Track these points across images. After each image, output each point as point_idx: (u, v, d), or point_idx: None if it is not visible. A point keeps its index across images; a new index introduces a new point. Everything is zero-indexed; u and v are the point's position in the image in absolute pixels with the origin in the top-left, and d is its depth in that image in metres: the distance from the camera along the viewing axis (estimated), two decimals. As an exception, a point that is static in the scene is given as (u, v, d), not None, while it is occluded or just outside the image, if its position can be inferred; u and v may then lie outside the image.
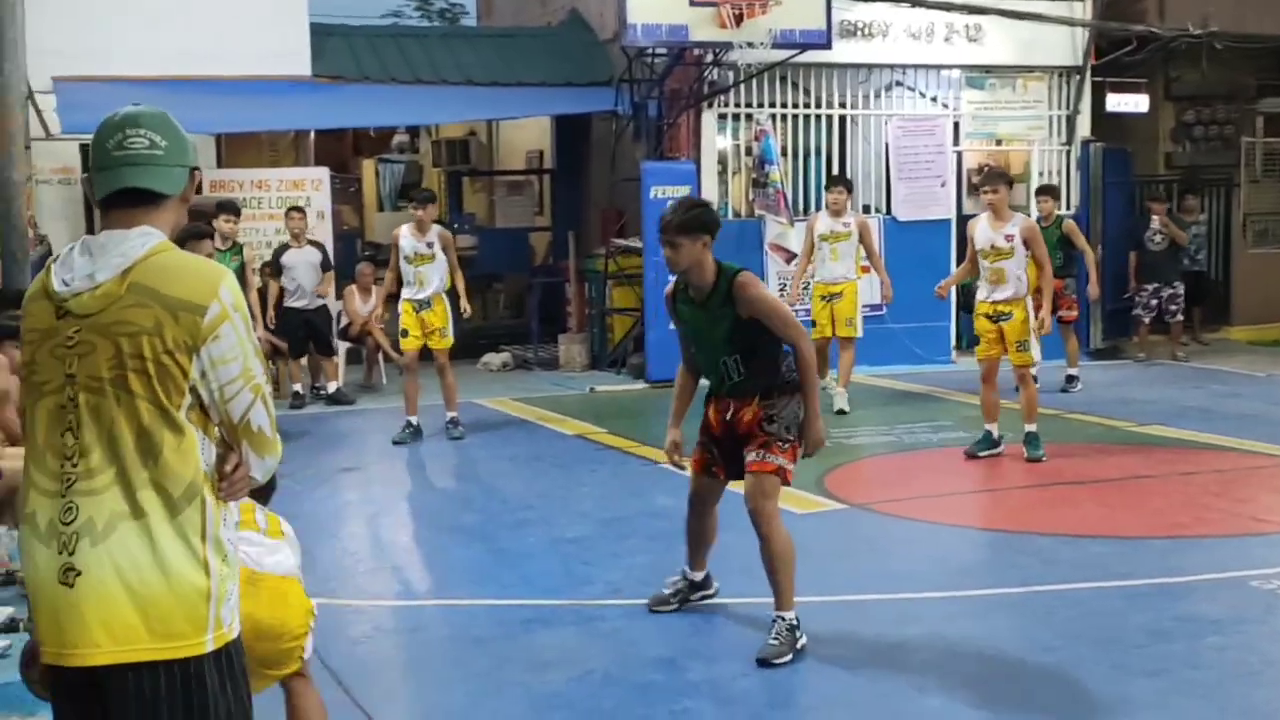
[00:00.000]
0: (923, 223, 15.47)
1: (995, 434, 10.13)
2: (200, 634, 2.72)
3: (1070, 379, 13.39)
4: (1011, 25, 15.60)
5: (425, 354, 11.20)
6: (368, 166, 20.84)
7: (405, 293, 11.16)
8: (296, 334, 13.24)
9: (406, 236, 11.12)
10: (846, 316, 12.33)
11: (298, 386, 13.28)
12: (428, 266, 11.05)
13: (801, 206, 15.15)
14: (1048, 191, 13.83)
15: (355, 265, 15.09)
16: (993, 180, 10.14)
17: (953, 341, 15.63)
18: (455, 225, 17.50)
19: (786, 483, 6.04)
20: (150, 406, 2.72)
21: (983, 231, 9.95)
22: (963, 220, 16.36)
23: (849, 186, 12.94)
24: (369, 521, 8.96)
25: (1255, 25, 16.54)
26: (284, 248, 13.34)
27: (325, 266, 13.47)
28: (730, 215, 14.97)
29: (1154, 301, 15.63)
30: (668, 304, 6.28)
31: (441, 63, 16.28)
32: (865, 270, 12.89)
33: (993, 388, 10.16)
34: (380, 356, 14.47)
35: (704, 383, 6.34)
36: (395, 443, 11.05)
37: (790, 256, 14.50)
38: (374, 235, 19.06)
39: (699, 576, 6.56)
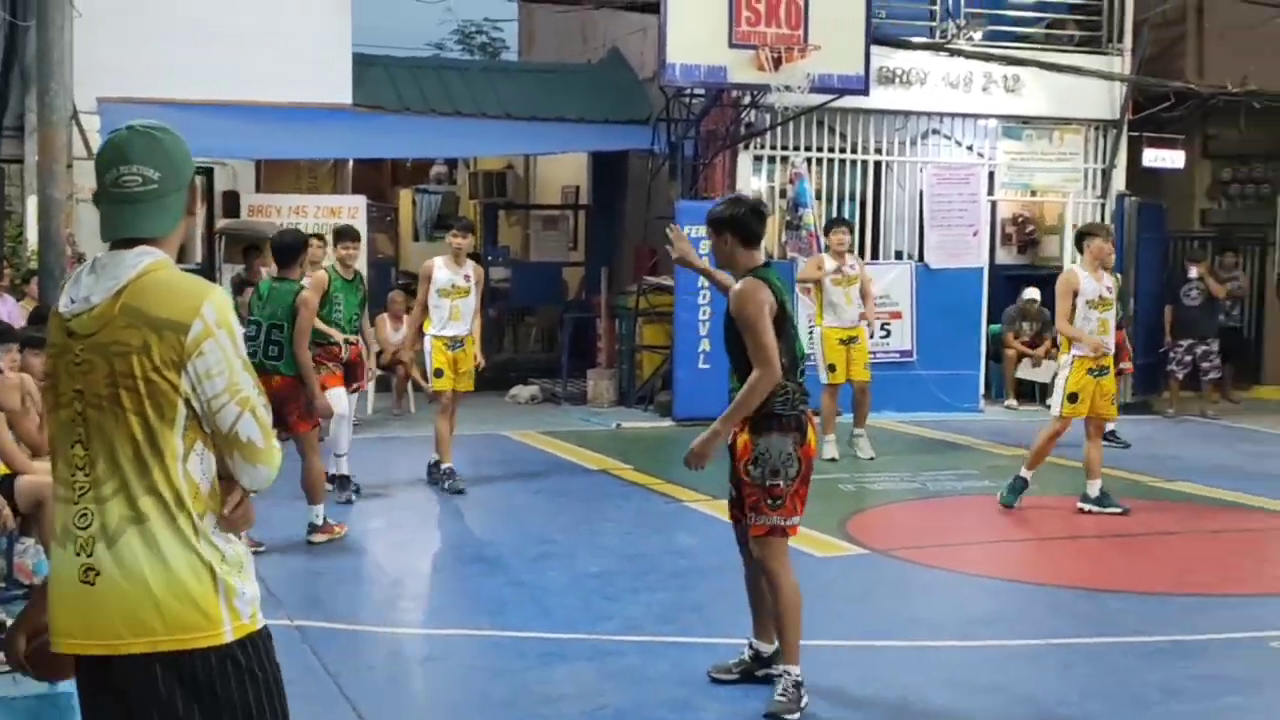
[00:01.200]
0: (954, 270, 15.48)
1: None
2: (216, 626, 2.85)
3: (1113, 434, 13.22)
4: (1049, 77, 15.65)
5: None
6: (405, 196, 21.02)
7: (435, 329, 10.40)
8: None
9: (442, 268, 10.41)
10: (864, 360, 12.28)
11: None
12: (463, 301, 10.39)
13: (834, 250, 15.15)
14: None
15: (388, 293, 15.20)
16: (1097, 230, 10.13)
17: (981, 390, 15.60)
18: (490, 257, 17.65)
19: (787, 535, 5.81)
20: (140, 421, 2.85)
21: (1089, 282, 9.78)
22: (995, 269, 16.47)
23: (852, 227, 12.87)
24: (392, 549, 9.01)
25: (1295, 84, 16.54)
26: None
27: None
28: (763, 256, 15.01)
29: (1188, 358, 15.58)
30: None
31: (482, 96, 16.43)
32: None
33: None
34: (410, 385, 14.55)
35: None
36: (451, 490, 10.35)
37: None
38: (408, 264, 19.20)
39: (767, 650, 6.01)
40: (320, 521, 8.73)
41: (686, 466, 5.84)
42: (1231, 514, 10.16)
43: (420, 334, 10.64)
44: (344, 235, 10.69)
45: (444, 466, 10.53)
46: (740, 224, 5.84)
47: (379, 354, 14.43)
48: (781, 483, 5.65)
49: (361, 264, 14.28)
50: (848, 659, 6.50)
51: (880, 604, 7.60)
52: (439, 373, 10.40)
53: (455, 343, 10.40)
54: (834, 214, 15.30)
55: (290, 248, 8.93)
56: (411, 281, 16.42)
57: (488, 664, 6.39)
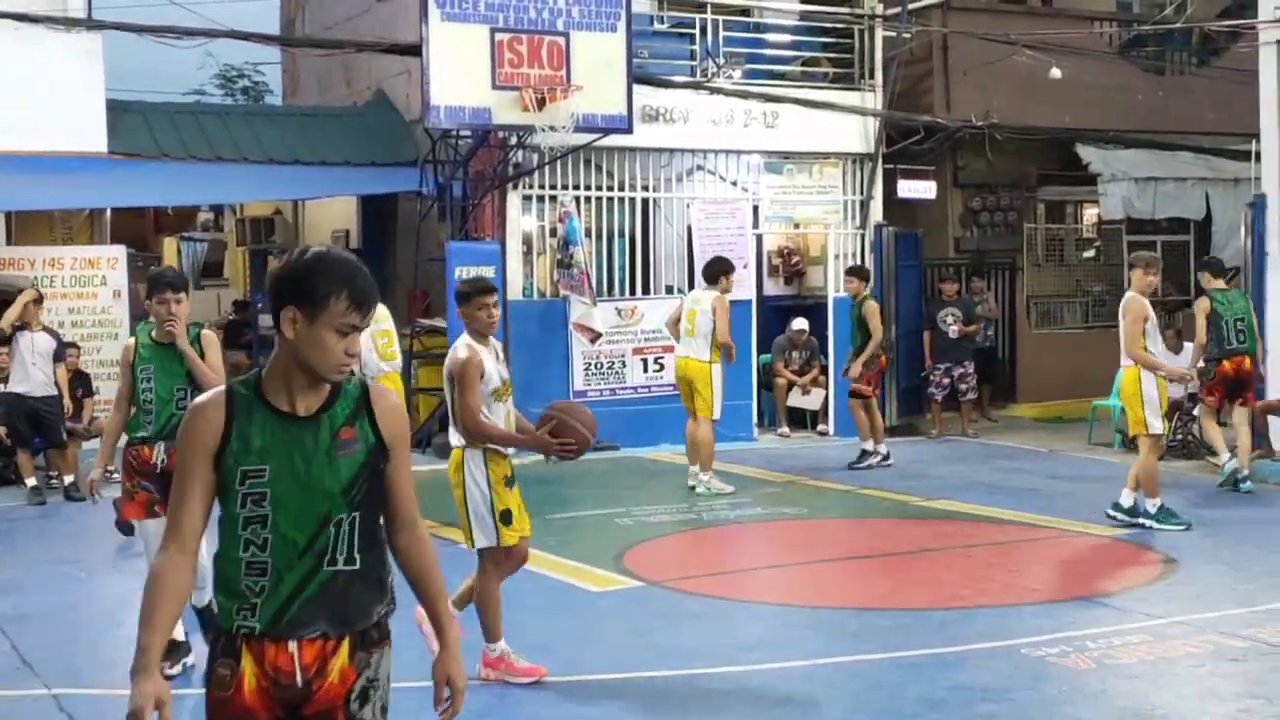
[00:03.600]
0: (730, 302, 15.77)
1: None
2: None
3: (864, 454, 13.77)
4: (807, 113, 16.16)
5: None
6: (169, 244, 20.51)
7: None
8: (18, 424, 12.33)
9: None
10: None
11: (33, 481, 12.26)
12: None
13: (605, 287, 15.36)
14: (853, 273, 14.32)
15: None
16: (1136, 261, 10.80)
17: (754, 419, 15.95)
18: (260, 304, 17.30)
19: None
20: None
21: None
22: (763, 300, 16.90)
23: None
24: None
25: (1035, 118, 17.45)
26: (23, 327, 12.36)
27: (58, 356, 12.53)
28: (535, 296, 15.13)
29: (946, 380, 16.23)
30: None
31: (243, 141, 16.15)
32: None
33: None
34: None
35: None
36: None
37: (595, 336, 14.68)
38: (174, 314, 18.69)
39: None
40: None
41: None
42: (987, 528, 10.62)
43: None
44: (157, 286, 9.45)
45: None
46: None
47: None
48: None
49: (124, 315, 13.92)
50: (622, 691, 6.58)
51: (655, 635, 7.69)
52: None
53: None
54: (605, 251, 15.53)
55: None
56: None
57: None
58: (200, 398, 3.29)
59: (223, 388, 3.27)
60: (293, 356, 3.19)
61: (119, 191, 15.10)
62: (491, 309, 6.64)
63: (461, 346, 6.62)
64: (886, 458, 13.68)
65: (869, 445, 13.76)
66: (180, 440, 3.21)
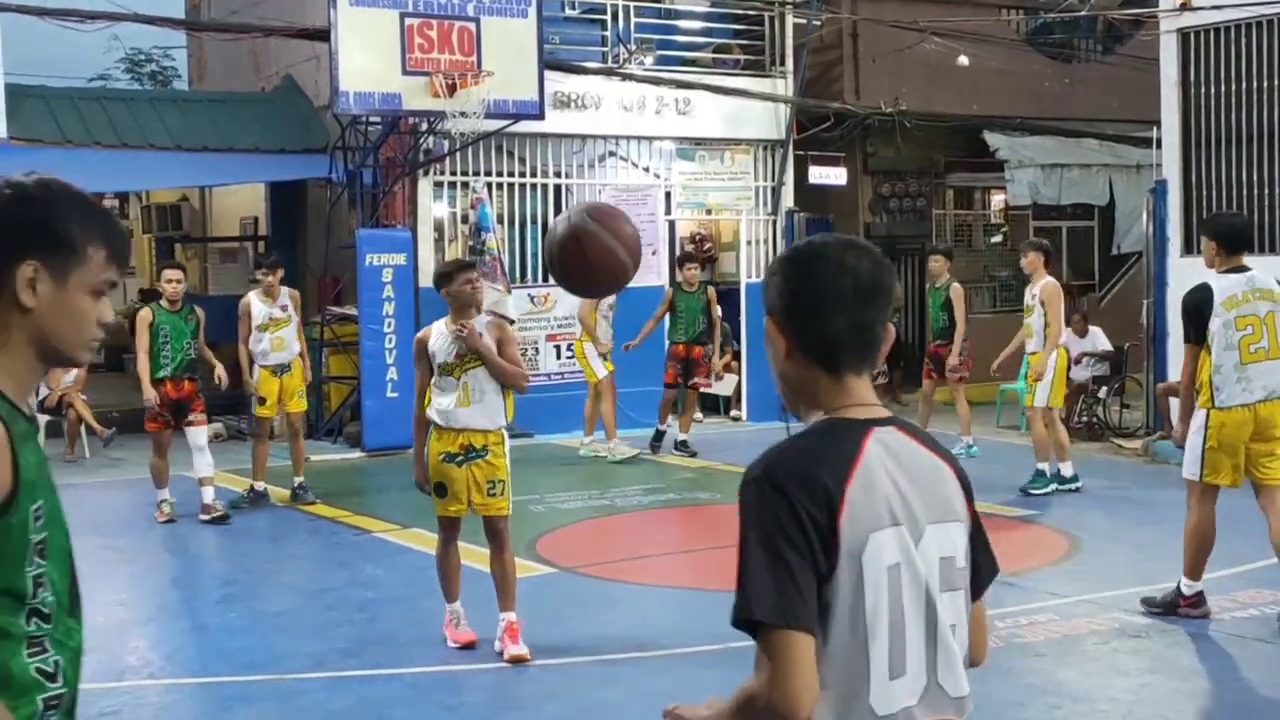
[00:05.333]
0: (636, 289, 15.77)
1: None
2: None
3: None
4: (718, 100, 16.22)
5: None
6: (72, 232, 20.11)
7: (261, 360, 11.11)
8: None
9: (258, 304, 11.13)
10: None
11: None
12: (285, 330, 11.11)
13: (518, 274, 15.32)
14: (940, 253, 13.57)
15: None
16: (1024, 248, 11.47)
17: (668, 405, 15.97)
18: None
19: None
20: None
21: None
22: (676, 287, 16.93)
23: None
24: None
25: (943, 105, 17.66)
26: None
27: None
28: (447, 283, 15.04)
29: (857, 365, 16.35)
30: None
31: (149, 127, 15.88)
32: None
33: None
34: (83, 429, 13.92)
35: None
36: (233, 505, 10.85)
37: (508, 323, 14.60)
38: (78, 303, 18.37)
39: None
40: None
41: None
42: (898, 511, 10.72)
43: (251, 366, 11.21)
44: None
45: (301, 480, 11.20)
46: None
47: (45, 398, 13.77)
48: None
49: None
50: (535, 677, 6.58)
51: (567, 622, 7.70)
52: (262, 400, 11.16)
53: (283, 369, 11.14)
54: (517, 238, 15.47)
55: None
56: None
57: (171, 714, 6.19)
58: None
59: None
60: (28, 334, 2.17)
61: (19, 178, 14.77)
62: (475, 282, 6.96)
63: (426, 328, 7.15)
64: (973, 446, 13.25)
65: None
66: None
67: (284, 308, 11.19)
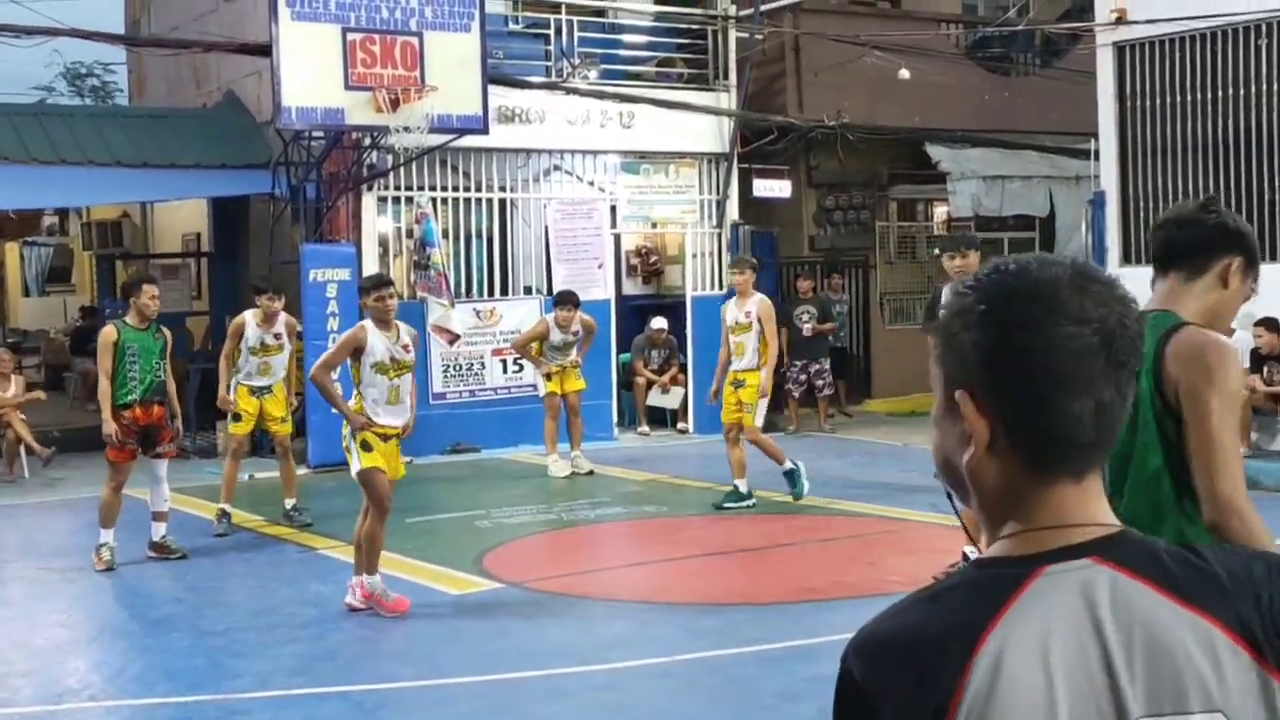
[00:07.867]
0: (583, 303, 15.81)
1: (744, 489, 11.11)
2: None
3: None
4: (662, 114, 16.27)
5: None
6: (12, 249, 19.91)
7: (243, 378, 10.91)
8: None
9: (252, 326, 10.85)
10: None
11: None
12: (275, 358, 10.95)
13: (463, 288, 15.29)
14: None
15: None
16: (740, 265, 11.46)
17: (614, 418, 16.00)
18: (108, 310, 16.85)
19: None
20: None
21: (730, 310, 11.20)
22: (622, 300, 16.99)
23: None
24: (2, 625, 8.48)
25: (886, 118, 17.80)
26: None
27: None
28: (392, 298, 14.98)
29: (803, 376, 16.46)
30: None
31: (88, 143, 15.70)
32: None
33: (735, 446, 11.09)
34: (22, 449, 13.75)
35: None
36: (218, 535, 10.61)
37: (453, 338, 14.58)
38: (18, 321, 18.18)
39: None
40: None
41: None
42: (844, 521, 10.80)
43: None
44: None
45: (293, 503, 11.10)
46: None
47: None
48: None
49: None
50: (483, 693, 6.56)
51: (515, 636, 7.68)
52: (237, 417, 10.96)
53: (263, 390, 10.98)
54: (462, 252, 15.43)
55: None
56: (23, 339, 15.62)
57: (107, 736, 6.12)
58: None
59: None
60: None
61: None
62: (386, 299, 8.00)
63: (359, 325, 8.23)
64: None
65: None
66: None
67: (277, 336, 10.86)
